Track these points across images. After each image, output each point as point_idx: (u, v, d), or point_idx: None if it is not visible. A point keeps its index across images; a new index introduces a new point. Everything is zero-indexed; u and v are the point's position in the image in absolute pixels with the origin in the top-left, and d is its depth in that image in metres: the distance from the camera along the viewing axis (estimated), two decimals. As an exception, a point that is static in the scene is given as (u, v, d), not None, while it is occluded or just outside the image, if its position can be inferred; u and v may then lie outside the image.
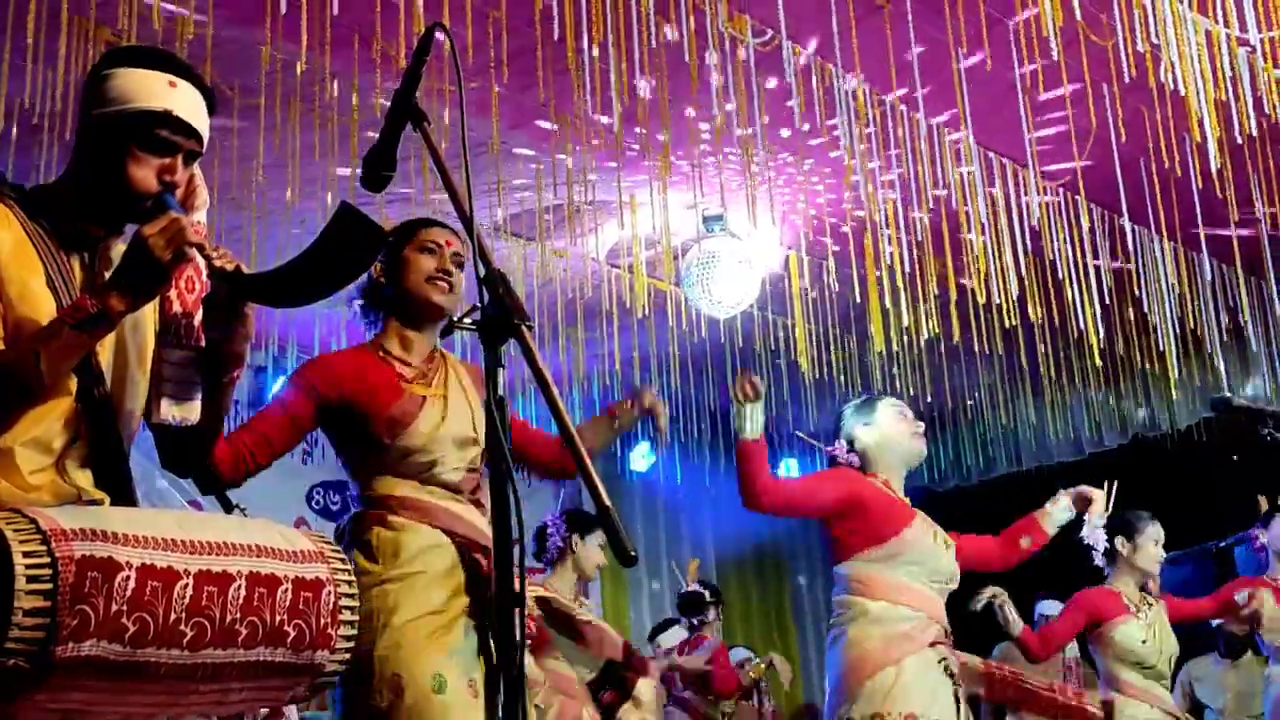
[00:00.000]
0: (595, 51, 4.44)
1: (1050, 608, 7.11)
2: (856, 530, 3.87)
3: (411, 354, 3.03)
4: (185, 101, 2.09)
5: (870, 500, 3.90)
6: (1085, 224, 6.23)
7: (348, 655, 1.99)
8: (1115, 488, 5.06)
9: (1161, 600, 5.22)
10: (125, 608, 1.73)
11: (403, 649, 2.69)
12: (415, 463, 2.89)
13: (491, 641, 2.78)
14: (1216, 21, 4.60)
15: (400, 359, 3.00)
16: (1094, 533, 5.18)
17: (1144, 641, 4.98)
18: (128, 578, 1.74)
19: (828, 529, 3.97)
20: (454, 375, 3.07)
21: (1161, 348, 6.71)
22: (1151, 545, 5.20)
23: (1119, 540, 5.19)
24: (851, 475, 4.01)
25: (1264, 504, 6.09)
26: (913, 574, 3.83)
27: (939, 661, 3.72)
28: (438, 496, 2.89)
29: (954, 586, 3.99)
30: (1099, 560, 5.29)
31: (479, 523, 2.91)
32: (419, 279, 3.01)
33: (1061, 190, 6.15)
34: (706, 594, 6.99)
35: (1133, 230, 6.42)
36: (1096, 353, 6.42)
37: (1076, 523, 5.29)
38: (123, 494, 2.08)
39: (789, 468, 10.28)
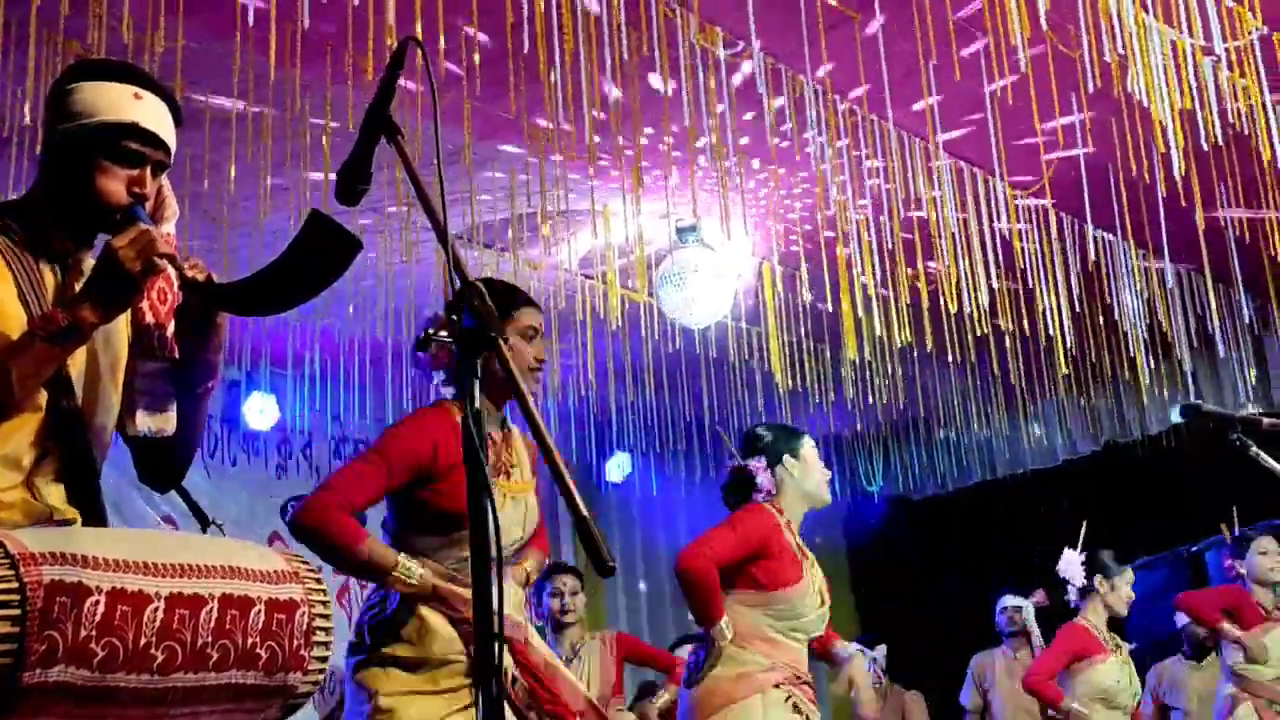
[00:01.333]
0: (567, 62, 4.44)
1: (1011, 600, 7.19)
2: (749, 572, 3.93)
3: (492, 428, 3.07)
4: (151, 113, 2.08)
5: (777, 548, 3.95)
6: (1054, 232, 6.28)
7: (321, 677, 1.98)
8: (1085, 528, 5.23)
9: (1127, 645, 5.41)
10: (94, 633, 1.70)
11: None
12: (459, 556, 2.92)
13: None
14: (1181, 32, 4.65)
15: (489, 438, 3.01)
16: (1070, 566, 5.38)
17: (1117, 681, 5.22)
18: (97, 602, 1.72)
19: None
20: (519, 464, 3.10)
21: (1132, 354, 6.76)
22: (1126, 588, 5.45)
23: (1097, 579, 5.43)
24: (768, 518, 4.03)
25: (1227, 532, 6.23)
26: (777, 627, 3.91)
27: (785, 700, 3.81)
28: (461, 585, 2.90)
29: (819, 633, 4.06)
30: (1071, 595, 5.49)
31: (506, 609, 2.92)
32: (521, 367, 2.93)
33: (1031, 198, 6.19)
34: None
35: (1101, 238, 6.48)
36: (1063, 360, 6.47)
37: (1054, 551, 5.40)
38: (94, 510, 2.07)
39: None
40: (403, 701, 2.82)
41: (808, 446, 4.14)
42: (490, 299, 2.97)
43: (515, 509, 3.04)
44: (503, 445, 3.09)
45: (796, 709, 3.80)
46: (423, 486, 2.93)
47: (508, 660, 2.91)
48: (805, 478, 4.09)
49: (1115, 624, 5.56)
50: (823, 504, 4.18)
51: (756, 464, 4.10)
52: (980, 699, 7.36)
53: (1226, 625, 5.61)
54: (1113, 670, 5.22)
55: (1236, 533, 6.14)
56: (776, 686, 3.80)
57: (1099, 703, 5.22)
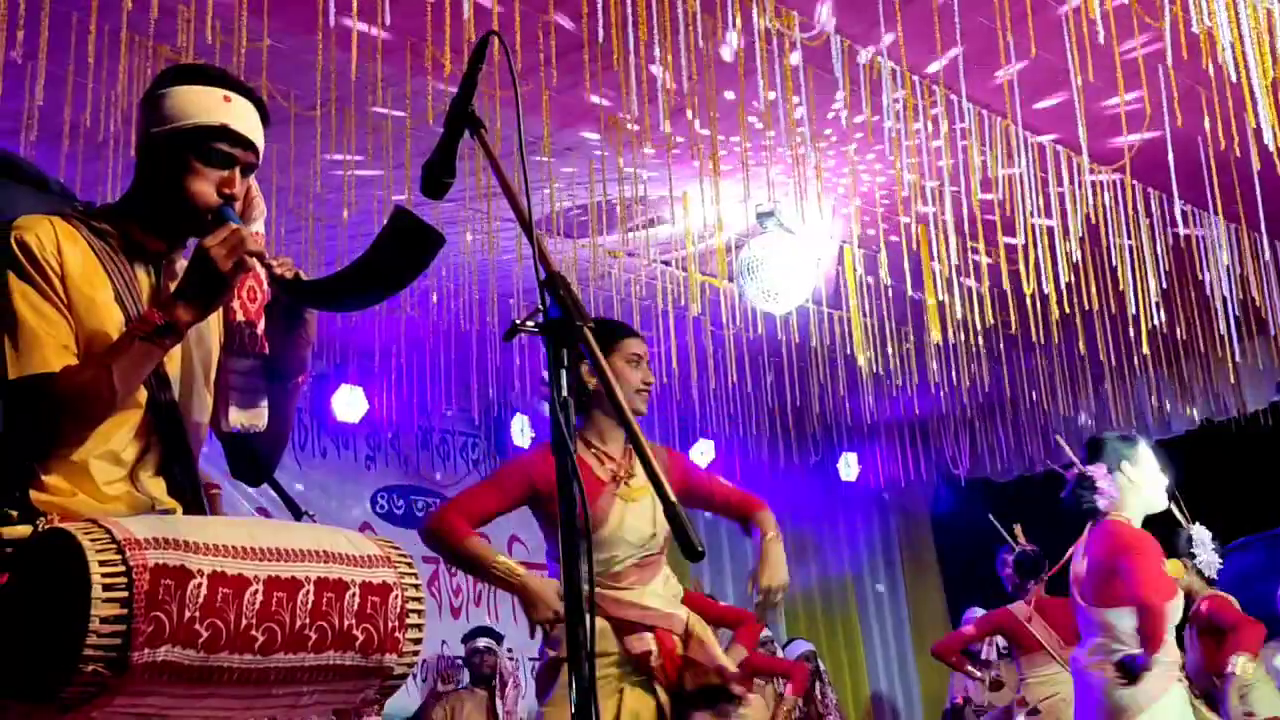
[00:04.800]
0: (642, 49, 4.45)
1: None
2: None
3: (609, 445, 3.48)
4: (240, 115, 2.13)
5: None
6: (1141, 208, 6.15)
7: (415, 659, 2.02)
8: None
9: None
10: (198, 614, 1.76)
11: None
12: (597, 559, 3.31)
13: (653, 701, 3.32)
14: (1271, 0, 4.52)
15: (601, 451, 3.44)
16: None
17: None
18: (200, 585, 1.77)
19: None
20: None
21: (1224, 330, 6.61)
22: None
23: None
24: None
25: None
26: None
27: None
28: (604, 588, 3.30)
29: None
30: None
31: (650, 602, 3.40)
32: (627, 391, 3.41)
33: (1117, 174, 6.08)
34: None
35: (1192, 213, 6.33)
36: (1145, 339, 6.34)
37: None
38: (194, 502, 2.13)
39: (848, 462, 10.24)
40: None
41: (1145, 450, 4.27)
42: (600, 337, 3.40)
43: (639, 509, 3.41)
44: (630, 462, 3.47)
45: None
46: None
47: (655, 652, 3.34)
48: (1144, 483, 4.22)
49: None
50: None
51: (1097, 470, 4.26)
52: None
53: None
54: None
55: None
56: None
57: None
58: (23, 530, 1.91)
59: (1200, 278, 6.57)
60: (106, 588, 1.71)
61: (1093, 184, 5.91)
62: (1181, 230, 6.21)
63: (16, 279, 2.01)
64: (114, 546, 1.75)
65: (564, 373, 1.72)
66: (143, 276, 2.14)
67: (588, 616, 1.66)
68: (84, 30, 4.21)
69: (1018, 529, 6.72)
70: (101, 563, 1.73)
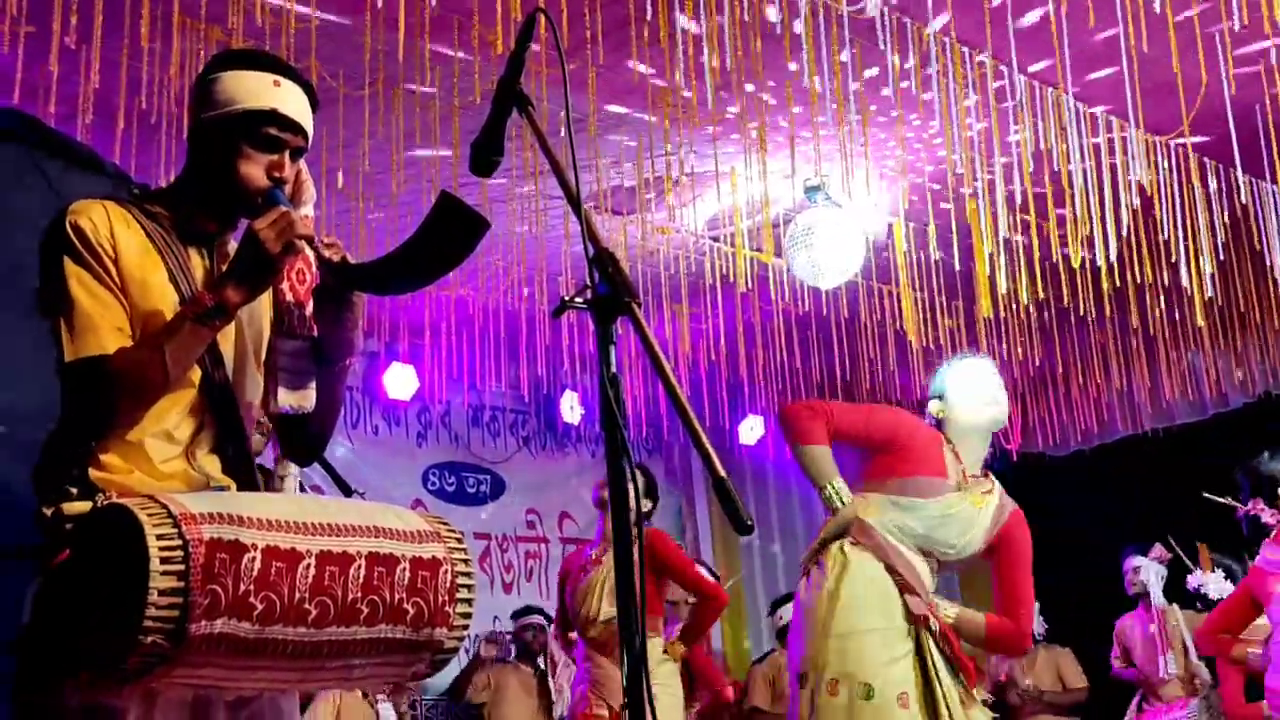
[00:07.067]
0: (689, 24, 4.43)
1: (1133, 560, 7.08)
2: None
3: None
4: (290, 99, 2.15)
5: None
6: (1196, 177, 6.05)
7: (465, 632, 2.04)
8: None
9: None
10: (252, 587, 1.79)
11: None
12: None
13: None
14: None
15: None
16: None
17: None
18: (254, 559, 1.80)
19: None
20: None
21: (1280, 302, 6.51)
22: None
23: None
24: None
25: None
26: None
27: None
28: None
29: None
30: None
31: None
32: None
33: (1171, 145, 5.98)
34: None
35: (1249, 182, 6.22)
36: (1199, 311, 6.24)
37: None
38: (248, 479, 2.16)
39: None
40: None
41: None
42: None
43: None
44: None
45: None
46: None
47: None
48: None
49: None
50: None
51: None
52: (1125, 662, 7.23)
53: None
54: None
55: None
56: None
57: None
58: (82, 506, 1.96)
59: (1258, 248, 6.47)
60: (164, 560, 1.75)
61: (1147, 155, 5.82)
62: (1242, 200, 6.10)
63: (71, 263, 2.04)
64: (170, 521, 1.79)
65: (613, 349, 1.73)
66: (196, 258, 2.18)
67: (638, 598, 1.67)
68: (137, 14, 4.26)
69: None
70: (159, 536, 1.77)
